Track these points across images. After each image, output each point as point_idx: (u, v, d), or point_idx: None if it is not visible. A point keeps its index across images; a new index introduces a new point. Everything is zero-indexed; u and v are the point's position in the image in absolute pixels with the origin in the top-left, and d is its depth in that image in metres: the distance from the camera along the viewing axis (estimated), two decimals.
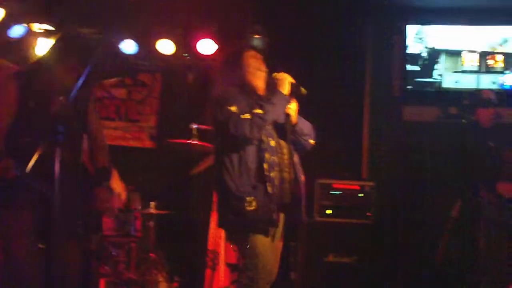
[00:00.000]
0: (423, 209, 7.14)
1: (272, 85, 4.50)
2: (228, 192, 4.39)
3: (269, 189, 4.34)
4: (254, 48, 4.75)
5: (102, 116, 8.50)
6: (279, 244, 4.58)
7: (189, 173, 7.16)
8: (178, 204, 7.49)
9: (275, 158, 4.43)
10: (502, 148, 6.25)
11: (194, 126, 6.90)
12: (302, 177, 4.61)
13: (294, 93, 4.50)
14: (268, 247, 4.41)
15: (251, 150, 4.40)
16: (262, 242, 4.38)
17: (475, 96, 6.41)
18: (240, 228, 4.47)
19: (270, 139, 4.46)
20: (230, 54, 4.77)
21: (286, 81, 4.48)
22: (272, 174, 4.38)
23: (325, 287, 6.85)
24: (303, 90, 4.53)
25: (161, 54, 7.86)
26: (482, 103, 6.23)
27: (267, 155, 4.38)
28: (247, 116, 4.32)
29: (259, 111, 4.34)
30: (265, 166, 4.36)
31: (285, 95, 4.46)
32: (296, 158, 4.56)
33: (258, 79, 4.61)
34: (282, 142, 4.53)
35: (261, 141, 4.41)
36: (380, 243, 6.93)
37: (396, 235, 7.15)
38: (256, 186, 4.35)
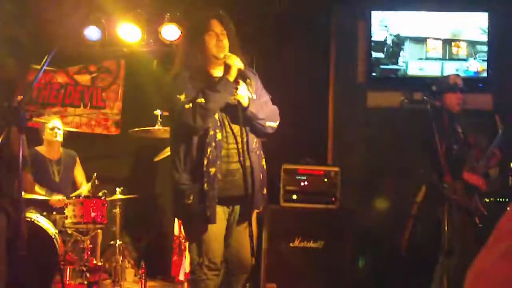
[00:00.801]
0: (387, 194, 7.18)
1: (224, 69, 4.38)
2: (174, 183, 4.36)
3: (205, 185, 4.26)
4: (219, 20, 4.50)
5: (66, 103, 8.45)
6: (244, 230, 4.52)
7: (154, 159, 7.13)
8: (143, 190, 7.47)
9: (217, 152, 4.32)
10: (467, 134, 6.29)
11: (158, 112, 6.90)
12: (263, 163, 4.59)
13: (242, 77, 4.39)
14: (212, 236, 4.37)
15: (196, 143, 4.31)
16: (200, 230, 4.35)
17: (442, 81, 6.44)
18: (181, 219, 4.67)
19: (217, 131, 4.34)
20: (188, 31, 4.64)
21: (233, 67, 4.34)
22: (211, 170, 4.27)
23: (290, 272, 6.83)
24: (248, 80, 4.45)
25: (125, 40, 7.83)
26: (449, 88, 6.28)
27: (209, 149, 4.27)
28: (190, 106, 4.19)
29: (201, 100, 4.21)
30: (205, 161, 4.26)
31: (231, 82, 4.33)
32: (255, 144, 4.49)
33: (214, 66, 4.50)
34: (237, 131, 4.43)
35: (206, 134, 4.29)
36: (345, 228, 6.90)
37: (361, 220, 7.12)
38: (194, 181, 4.29)
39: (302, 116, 7.69)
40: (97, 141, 8.29)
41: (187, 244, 6.89)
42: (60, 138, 7.29)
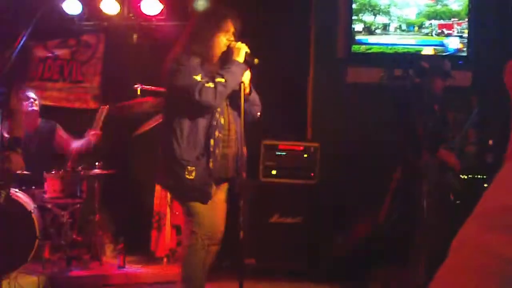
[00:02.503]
0: (366, 170, 7.16)
1: (228, 54, 4.65)
2: (173, 158, 4.55)
3: (211, 164, 4.54)
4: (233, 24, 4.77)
5: (45, 77, 8.38)
6: (223, 203, 4.84)
7: (133, 134, 7.12)
8: (123, 165, 7.48)
9: (221, 136, 4.61)
10: (445, 111, 6.31)
11: (138, 86, 6.87)
12: (244, 150, 4.80)
13: (248, 62, 4.65)
14: (206, 207, 4.62)
15: (202, 124, 4.56)
16: (199, 204, 4.60)
17: (435, 65, 6.42)
18: (177, 192, 4.77)
19: (221, 116, 4.62)
20: (202, 28, 4.74)
21: (242, 51, 4.64)
22: (216, 151, 4.57)
23: (269, 248, 6.90)
24: (256, 60, 4.67)
25: (105, 14, 7.78)
26: (441, 73, 6.28)
27: (216, 133, 4.56)
28: (211, 85, 4.45)
29: (221, 79, 4.50)
30: (212, 142, 4.53)
31: (241, 63, 4.62)
32: (242, 131, 4.71)
33: (219, 53, 4.70)
34: (231, 118, 4.73)
35: (213, 117, 4.56)
36: (324, 203, 6.98)
37: (340, 195, 7.17)
38: (199, 158, 4.53)
39: (282, 92, 7.66)
40: (76, 116, 8.20)
41: (166, 218, 7.00)
42: (36, 107, 7.22)
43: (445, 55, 7.58)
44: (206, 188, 4.58)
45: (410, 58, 7.11)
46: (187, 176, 4.52)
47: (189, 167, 4.52)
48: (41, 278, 6.13)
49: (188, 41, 4.72)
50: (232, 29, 4.72)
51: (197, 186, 4.55)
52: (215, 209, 4.73)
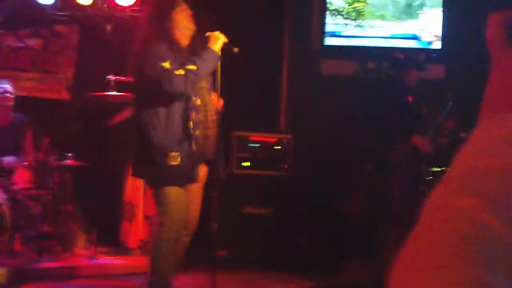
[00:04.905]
0: (339, 162, 7.19)
1: (203, 42, 4.73)
2: (152, 146, 4.58)
3: (193, 147, 4.59)
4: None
5: (17, 67, 8.29)
6: (199, 194, 4.91)
7: (106, 124, 7.13)
8: (95, 156, 7.36)
9: (200, 117, 4.66)
10: (420, 104, 6.30)
11: (111, 77, 6.82)
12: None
13: (226, 51, 4.75)
14: (182, 196, 4.67)
15: (178, 108, 4.58)
16: (176, 192, 4.64)
17: (411, 57, 6.42)
18: (158, 180, 4.71)
19: (197, 97, 4.66)
20: (159, 7, 4.81)
21: (218, 40, 4.71)
22: (197, 133, 4.61)
23: (241, 239, 6.91)
24: (235, 49, 4.78)
25: (78, 4, 7.68)
26: (417, 65, 6.28)
27: (193, 114, 4.59)
28: (181, 72, 4.47)
29: (192, 66, 4.51)
30: (191, 124, 4.56)
31: (216, 52, 4.67)
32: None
33: (185, 37, 4.76)
34: (208, 99, 4.78)
35: (188, 99, 4.60)
36: (296, 195, 7.00)
37: (313, 187, 7.18)
38: (181, 143, 4.56)
39: (255, 83, 7.66)
40: (49, 106, 8.13)
41: (139, 209, 6.98)
42: (11, 102, 7.13)
43: (419, 48, 7.59)
44: (192, 170, 4.67)
45: (384, 51, 7.11)
46: (172, 162, 4.56)
47: (172, 153, 4.55)
48: (11, 270, 6.08)
49: (149, 26, 4.75)
50: (185, 4, 4.78)
51: (184, 170, 4.61)
52: (191, 197, 4.78)
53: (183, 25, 4.72)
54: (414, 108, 6.21)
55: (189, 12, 4.78)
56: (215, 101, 4.87)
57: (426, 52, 7.43)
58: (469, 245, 0.71)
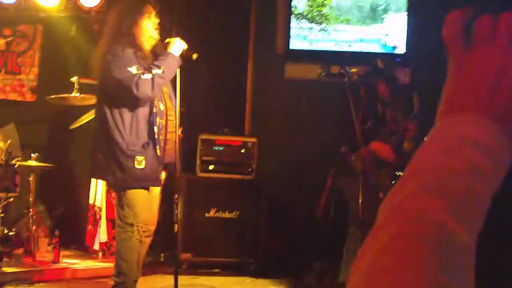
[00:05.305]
0: (304, 166, 7.24)
1: (163, 48, 4.77)
2: (118, 150, 4.61)
3: (158, 151, 4.66)
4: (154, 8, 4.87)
5: None
6: (158, 196, 4.93)
7: (70, 126, 7.02)
8: (58, 158, 7.35)
9: (162, 122, 4.74)
10: (385, 109, 6.28)
11: (76, 79, 6.76)
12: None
13: (186, 57, 4.81)
14: (147, 199, 4.73)
15: (143, 112, 4.63)
16: (142, 195, 4.70)
17: (389, 66, 6.41)
18: (123, 183, 4.72)
19: (160, 103, 4.74)
20: (128, 12, 4.82)
21: (178, 46, 4.75)
22: (161, 138, 4.70)
23: (206, 242, 6.90)
24: (194, 55, 4.83)
25: (42, 5, 7.62)
26: (391, 79, 6.28)
27: (158, 119, 4.67)
28: (148, 76, 4.53)
29: (158, 70, 4.57)
30: (155, 129, 4.64)
31: (177, 57, 4.73)
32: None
33: (149, 45, 4.80)
34: (170, 104, 4.86)
35: (152, 104, 4.65)
36: (261, 198, 6.99)
37: (277, 191, 7.18)
38: (145, 147, 4.62)
39: (220, 86, 7.64)
40: (12, 108, 8.05)
41: (102, 212, 6.94)
42: None
43: (383, 52, 7.64)
44: (156, 174, 4.72)
45: (349, 55, 7.12)
46: (137, 166, 4.60)
47: (138, 157, 4.60)
48: None
49: (114, 31, 4.77)
50: (152, 11, 4.78)
51: (148, 174, 4.65)
52: (152, 200, 4.82)
53: (149, 33, 4.76)
54: (380, 115, 6.21)
55: (156, 20, 4.80)
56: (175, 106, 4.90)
57: (391, 56, 7.44)
58: (430, 247, 0.70)
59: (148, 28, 4.74)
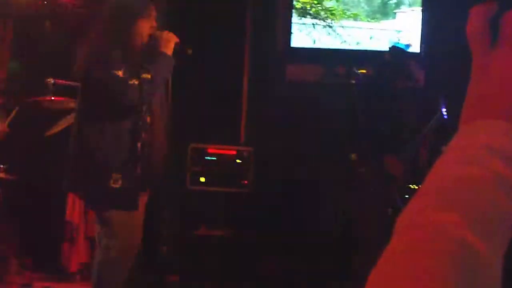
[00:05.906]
0: (306, 177, 7.06)
1: (154, 46, 4.49)
2: (94, 164, 4.34)
3: (139, 169, 4.41)
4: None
5: None
6: (142, 214, 4.64)
7: (44, 134, 6.66)
8: (31, 170, 7.12)
9: (148, 136, 4.51)
10: (404, 113, 6.13)
11: (51, 80, 6.38)
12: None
13: (179, 52, 4.55)
14: (126, 217, 4.43)
15: (126, 125, 4.37)
16: (118, 213, 4.41)
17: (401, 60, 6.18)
18: (96, 202, 4.55)
19: (146, 114, 4.49)
20: (124, 9, 4.54)
21: (169, 41, 4.49)
22: (145, 154, 4.46)
23: (195, 263, 6.74)
24: (189, 50, 4.59)
25: None
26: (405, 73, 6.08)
27: (143, 134, 4.43)
28: (135, 81, 4.25)
29: (147, 75, 4.29)
30: (139, 145, 4.40)
31: (169, 56, 4.47)
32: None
33: (140, 46, 4.52)
34: (158, 112, 4.62)
35: (138, 117, 4.39)
36: (258, 214, 6.82)
37: (276, 205, 6.99)
38: (125, 164, 4.33)
39: (213, 91, 7.42)
40: None
41: (80, 229, 6.76)
42: None
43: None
44: (133, 196, 4.44)
45: (357, 55, 7.07)
46: (112, 185, 4.33)
47: (114, 175, 4.33)
48: None
49: (105, 29, 4.46)
50: (153, 13, 4.53)
51: (124, 194, 4.39)
52: (133, 217, 4.52)
53: (145, 35, 4.49)
54: (394, 119, 5.97)
55: (154, 24, 4.53)
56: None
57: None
58: (450, 266, 0.67)
59: (144, 32, 4.45)
